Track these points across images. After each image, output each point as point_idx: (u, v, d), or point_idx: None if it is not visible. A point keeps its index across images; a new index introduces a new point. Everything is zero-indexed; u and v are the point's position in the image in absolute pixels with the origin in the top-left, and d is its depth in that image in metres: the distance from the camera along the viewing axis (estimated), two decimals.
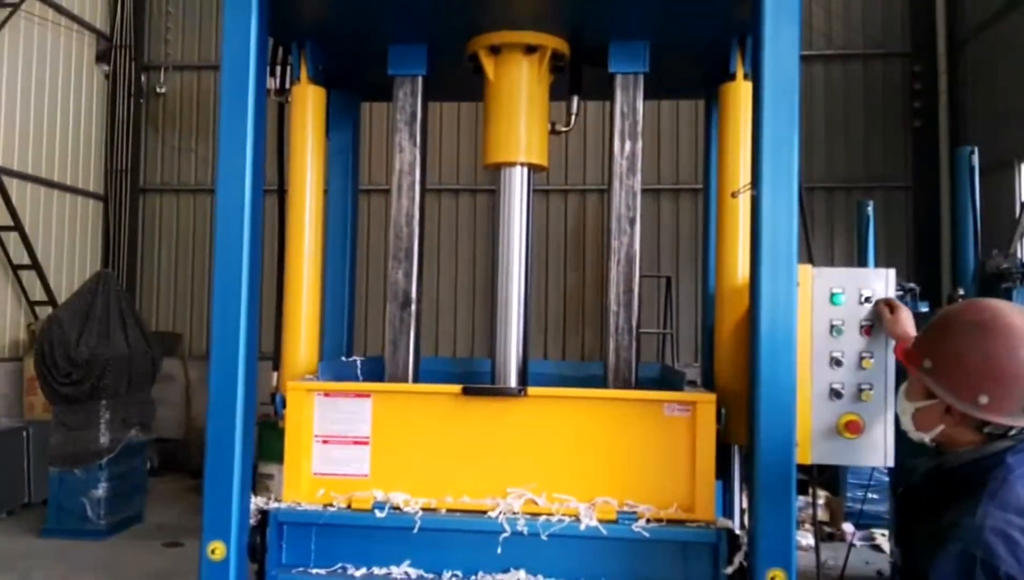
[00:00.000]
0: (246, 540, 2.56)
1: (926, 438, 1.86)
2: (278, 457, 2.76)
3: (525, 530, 2.46)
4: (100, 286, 7.20)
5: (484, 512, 2.53)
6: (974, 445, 1.78)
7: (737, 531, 2.45)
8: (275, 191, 3.10)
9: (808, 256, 2.60)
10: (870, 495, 7.08)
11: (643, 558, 2.48)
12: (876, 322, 2.53)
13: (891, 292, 2.61)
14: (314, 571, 2.58)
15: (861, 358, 2.55)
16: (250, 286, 2.54)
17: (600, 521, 2.46)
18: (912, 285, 5.90)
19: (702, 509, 2.50)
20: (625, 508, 2.50)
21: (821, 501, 7.43)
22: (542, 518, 2.48)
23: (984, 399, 1.71)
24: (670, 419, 2.56)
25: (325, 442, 2.67)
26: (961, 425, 1.78)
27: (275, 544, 2.56)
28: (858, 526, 7.00)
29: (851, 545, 6.64)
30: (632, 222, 2.85)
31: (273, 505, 2.59)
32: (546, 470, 2.57)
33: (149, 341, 7.56)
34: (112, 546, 6.98)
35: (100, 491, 7.12)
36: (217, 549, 2.49)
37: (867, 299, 2.56)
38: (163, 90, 11.01)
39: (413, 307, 2.90)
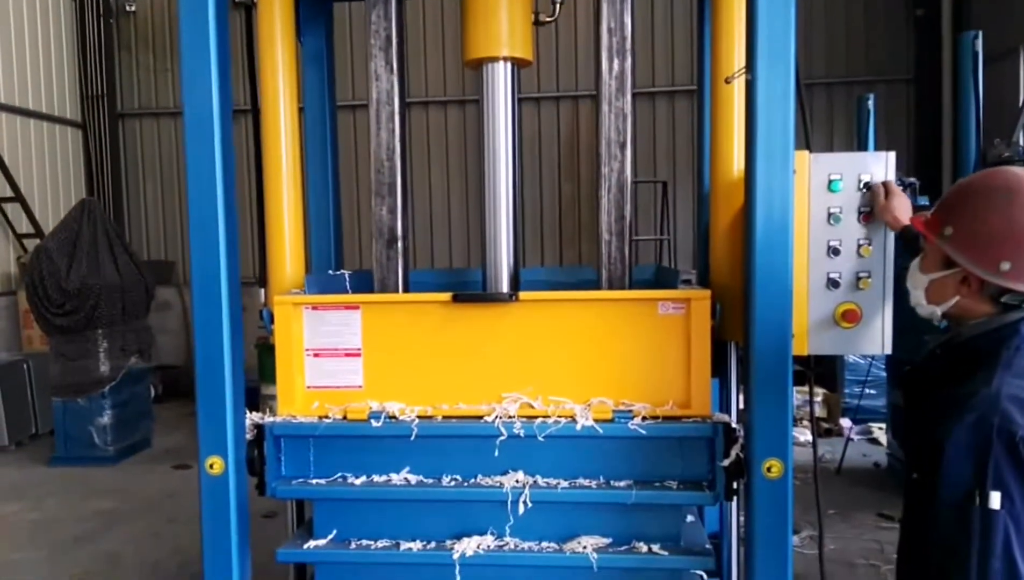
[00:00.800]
0: (243, 454, 2.56)
1: (938, 311, 1.81)
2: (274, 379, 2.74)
3: (522, 433, 2.45)
4: (85, 215, 7.09)
5: (480, 418, 2.52)
6: (988, 317, 1.73)
7: (734, 425, 2.44)
8: (249, 111, 2.98)
9: (806, 143, 2.52)
10: (867, 390, 7.17)
11: (640, 455, 2.49)
12: (871, 206, 2.47)
13: (891, 176, 2.53)
14: (314, 482, 2.59)
15: (859, 246, 2.49)
16: (226, 201, 2.44)
17: (596, 421, 2.45)
18: (912, 179, 5.81)
19: (698, 405, 2.49)
20: (621, 408, 2.49)
21: (819, 398, 7.52)
22: (538, 421, 2.47)
23: (1006, 265, 1.66)
24: (665, 318, 2.52)
25: (316, 355, 2.64)
26: (977, 296, 1.73)
27: (273, 457, 2.56)
28: (855, 421, 7.11)
29: (848, 439, 6.77)
30: (623, 147, 2.72)
31: (268, 419, 2.58)
32: (541, 374, 2.55)
33: (140, 268, 7.50)
34: (122, 471, 7.09)
35: (105, 419, 7.18)
36: (215, 464, 2.48)
37: (866, 185, 2.49)
38: (132, 8, 10.63)
39: (400, 244, 2.82)
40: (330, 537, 2.60)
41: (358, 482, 2.56)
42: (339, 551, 2.56)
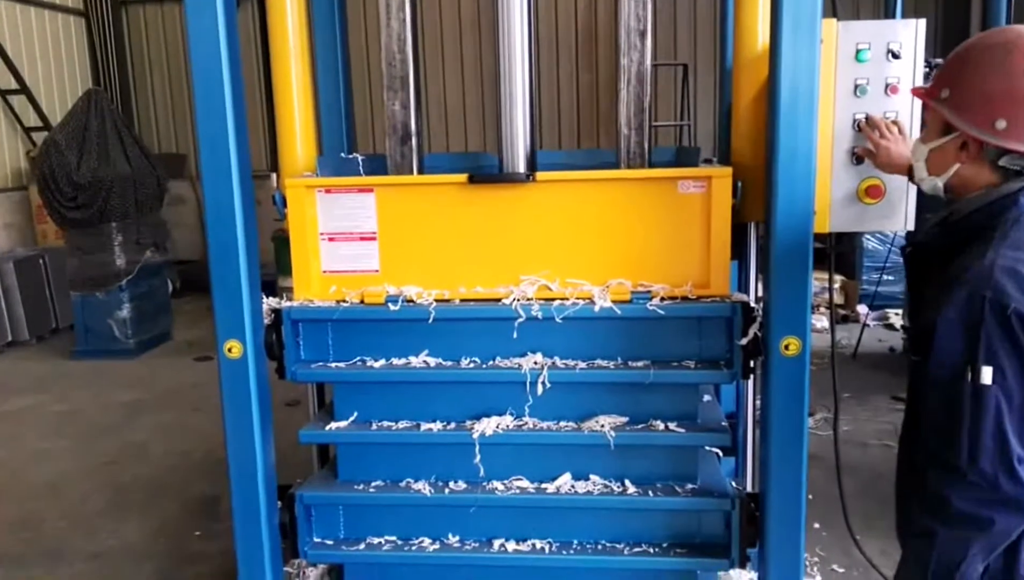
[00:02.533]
0: (261, 337, 2.56)
1: (939, 183, 1.75)
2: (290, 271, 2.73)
3: (540, 315, 2.44)
4: (92, 106, 6.97)
5: (498, 301, 2.50)
6: (988, 188, 1.67)
7: (752, 305, 2.41)
8: None
9: (832, 10, 2.38)
10: (885, 277, 7.12)
11: (658, 336, 2.48)
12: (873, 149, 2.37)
13: (920, 48, 2.41)
14: (333, 365, 2.61)
15: (886, 119, 2.39)
16: (233, 85, 2.35)
17: (614, 302, 2.43)
18: (939, 60, 5.57)
19: (717, 285, 2.46)
20: (639, 289, 2.46)
21: (836, 285, 7.49)
22: (556, 303, 2.45)
23: (1002, 124, 1.59)
24: (684, 197, 2.46)
25: (331, 240, 2.61)
26: (977, 162, 1.67)
27: (292, 341, 2.57)
28: (872, 307, 7.09)
29: (865, 325, 6.78)
30: (643, 35, 2.57)
31: (286, 304, 2.58)
32: (559, 256, 2.52)
33: (151, 160, 7.43)
34: (144, 363, 7.23)
35: (124, 312, 7.27)
36: (234, 347, 2.49)
37: (864, 120, 2.39)
38: None
39: (414, 141, 2.73)
40: (351, 419, 2.63)
41: (377, 365, 2.57)
42: (360, 432, 2.60)
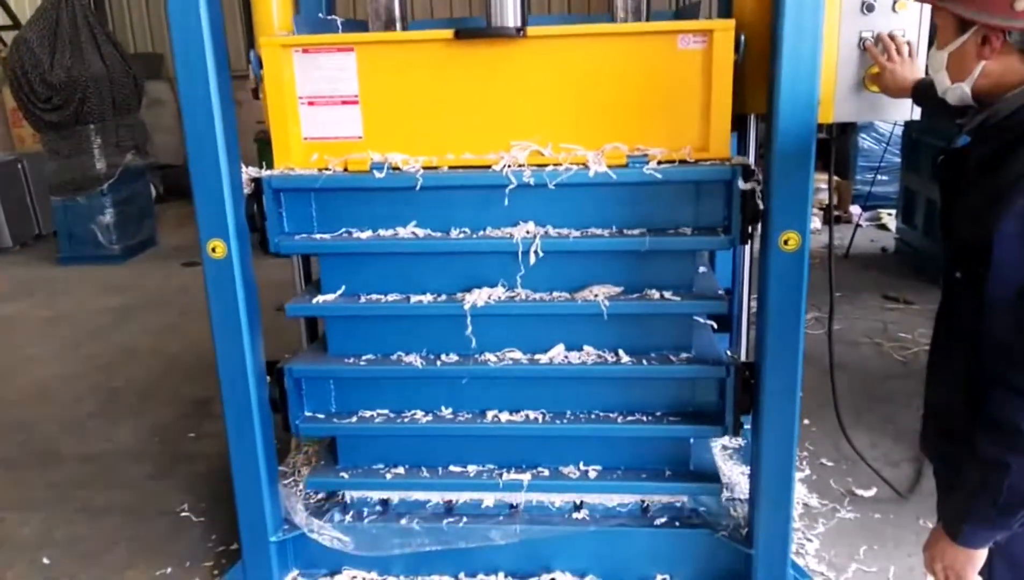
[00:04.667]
0: (247, 237, 2.49)
1: (966, 89, 1.57)
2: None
3: (531, 181, 2.35)
4: (62, 1, 6.65)
5: (487, 167, 2.40)
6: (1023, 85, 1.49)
7: (753, 167, 2.32)
8: None
9: None
10: (879, 177, 7.05)
11: (654, 202, 2.41)
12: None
13: None
14: (318, 236, 2.54)
15: (895, 1, 2.27)
16: None
17: (610, 167, 2.33)
18: None
19: (717, 148, 2.36)
20: (636, 153, 2.36)
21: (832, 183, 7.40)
22: (549, 168, 2.36)
23: (1021, 3, 1.41)
24: (684, 53, 2.32)
25: (311, 104, 2.47)
26: (1004, 55, 1.48)
27: (274, 212, 2.48)
28: (865, 208, 7.04)
29: (857, 225, 6.74)
30: None
31: (266, 173, 2.47)
32: (551, 120, 2.40)
33: (127, 59, 7.16)
34: (131, 268, 7.15)
35: (107, 217, 7.14)
36: (217, 247, 2.43)
37: (874, 39, 2.26)
38: None
39: (398, 26, 2.57)
40: (339, 292, 2.59)
41: (364, 236, 2.50)
42: (348, 305, 2.57)
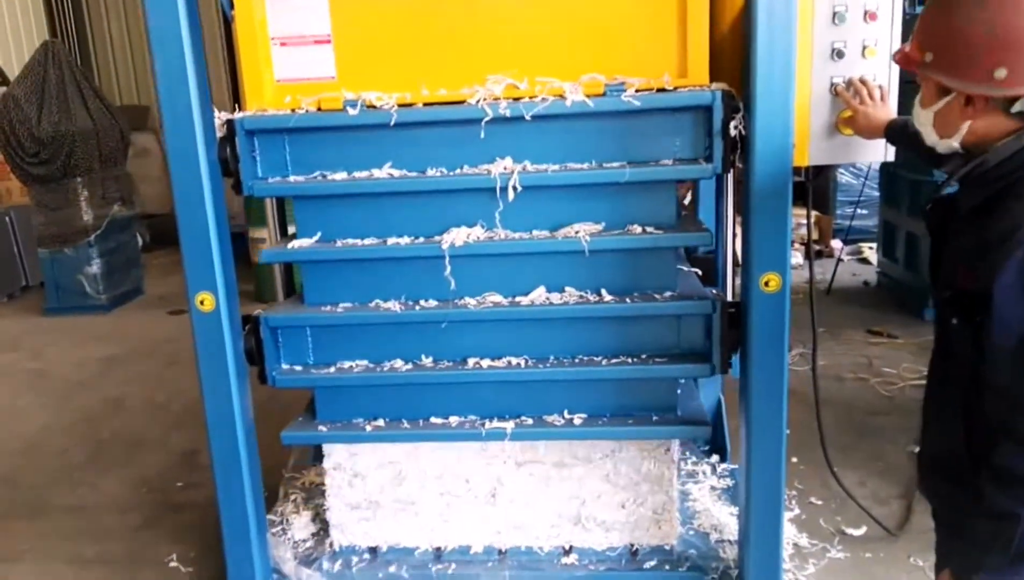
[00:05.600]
0: (235, 289, 2.52)
1: (955, 144, 1.60)
2: (264, 221, 2.65)
3: (508, 113, 2.33)
4: (49, 58, 6.72)
5: (462, 102, 2.39)
6: (1012, 135, 1.51)
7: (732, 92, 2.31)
8: None
9: None
10: (859, 210, 7.14)
11: (634, 132, 2.39)
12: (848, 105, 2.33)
13: None
14: (292, 179, 2.52)
15: (864, 48, 2.34)
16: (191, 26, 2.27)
17: (587, 96, 2.32)
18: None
19: (696, 73, 2.35)
20: (613, 82, 2.34)
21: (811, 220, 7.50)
22: (525, 99, 2.35)
23: (1001, 73, 1.45)
24: None
25: (283, 44, 2.48)
26: (987, 114, 1.52)
27: (247, 155, 2.47)
28: (846, 242, 7.13)
29: (839, 260, 6.82)
30: None
31: (238, 114, 2.45)
32: (527, 52, 2.40)
33: (113, 113, 7.22)
34: (117, 318, 7.13)
35: (94, 267, 7.13)
36: (205, 300, 2.46)
37: (844, 84, 2.33)
38: None
39: None
40: (315, 238, 2.56)
41: (338, 177, 2.49)
42: (325, 249, 2.53)
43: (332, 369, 2.60)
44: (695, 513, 2.98)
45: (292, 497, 3.19)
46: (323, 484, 3.21)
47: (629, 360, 2.49)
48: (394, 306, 2.53)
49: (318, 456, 3.41)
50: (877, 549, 3.08)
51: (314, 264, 2.60)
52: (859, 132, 2.30)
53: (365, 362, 2.61)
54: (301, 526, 2.98)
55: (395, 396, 2.63)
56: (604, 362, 2.50)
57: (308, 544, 2.91)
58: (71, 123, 6.71)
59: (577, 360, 2.53)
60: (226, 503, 2.60)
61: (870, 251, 7.26)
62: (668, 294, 2.48)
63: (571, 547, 2.73)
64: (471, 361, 2.56)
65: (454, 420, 2.60)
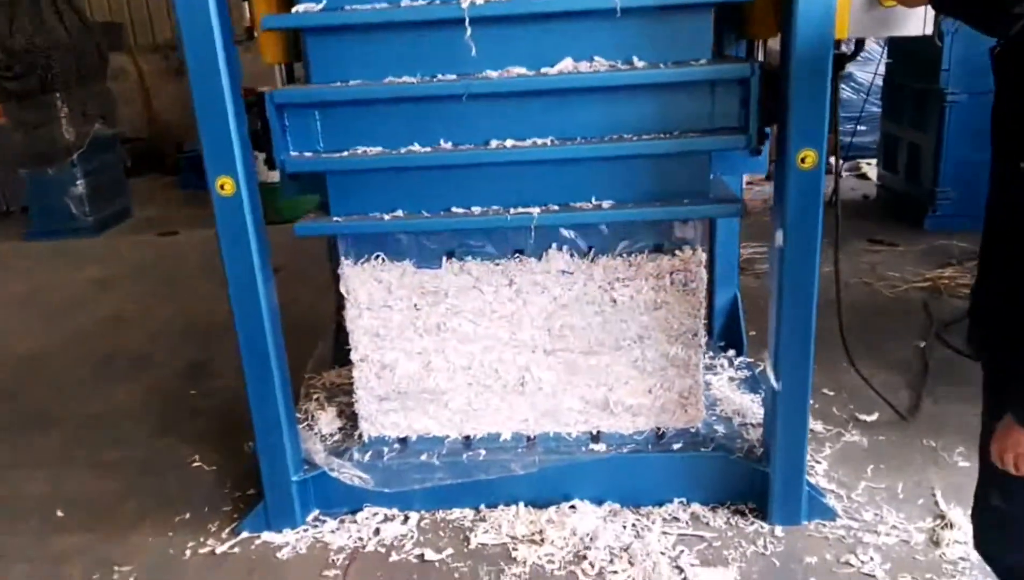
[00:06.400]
0: (253, 174, 2.45)
1: None
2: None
3: None
4: None
5: None
6: None
7: None
8: None
9: None
10: (859, 127, 7.11)
11: None
12: None
13: None
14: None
15: None
16: None
17: None
18: None
19: None
20: None
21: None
22: None
23: None
24: None
25: None
26: None
27: None
28: (845, 158, 7.12)
29: (839, 175, 6.82)
30: None
31: None
32: None
33: (90, 26, 6.97)
34: (107, 240, 7.00)
35: (79, 188, 6.97)
36: (226, 185, 2.39)
37: None
38: None
39: None
40: (321, 6, 2.36)
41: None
42: (332, 16, 2.36)
43: (345, 153, 2.43)
44: (716, 400, 3.02)
45: (315, 396, 3.20)
46: (343, 385, 3.26)
47: (661, 135, 2.37)
48: (411, 80, 2.38)
49: (336, 359, 3.44)
50: (890, 433, 3.15)
51: (321, 33, 2.39)
52: (904, 1, 2.26)
53: (380, 148, 2.43)
54: (327, 421, 2.99)
55: (413, 184, 2.47)
56: (634, 139, 2.38)
57: (336, 438, 2.93)
58: (46, 35, 6.48)
59: (606, 140, 2.39)
60: (256, 393, 2.59)
61: (868, 167, 7.28)
62: (703, 60, 2.36)
63: (599, 432, 2.77)
64: (494, 143, 2.40)
65: (477, 210, 2.48)
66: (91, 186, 7.05)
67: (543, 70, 2.36)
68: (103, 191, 7.24)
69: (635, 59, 2.37)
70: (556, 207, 2.46)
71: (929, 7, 2.26)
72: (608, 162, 2.42)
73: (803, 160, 2.29)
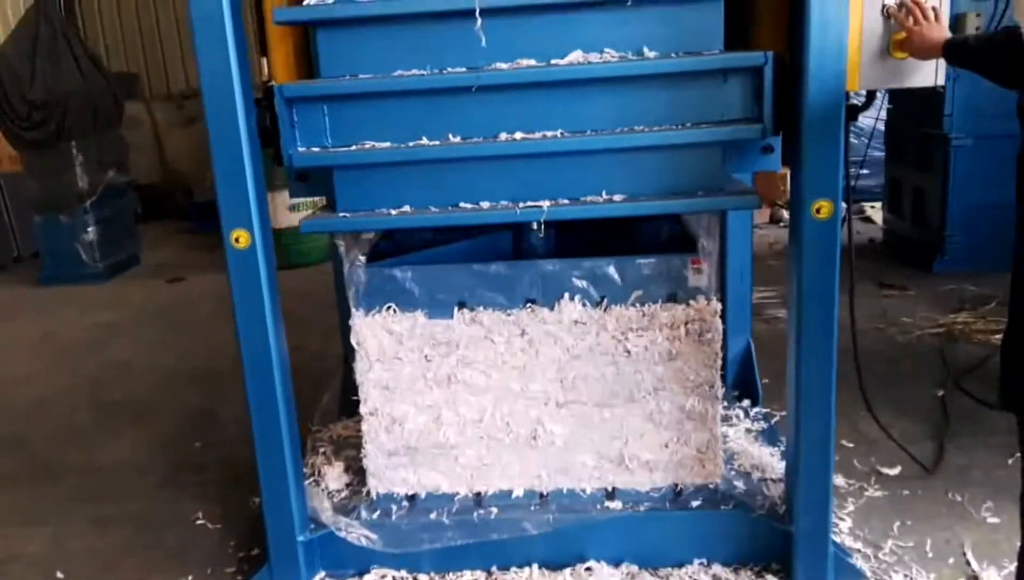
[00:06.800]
0: (268, 227, 2.43)
1: None
2: None
3: None
4: (40, 16, 6.54)
5: None
6: None
7: None
8: None
9: None
10: (862, 171, 7.12)
11: None
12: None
13: None
14: None
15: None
16: None
17: None
18: None
19: None
20: None
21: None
22: None
23: None
24: None
25: None
26: None
27: None
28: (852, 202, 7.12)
29: (845, 218, 6.80)
30: None
31: None
32: None
33: (106, 75, 7.06)
34: (116, 287, 7.00)
35: (91, 235, 7.00)
36: (241, 237, 2.37)
37: (893, 6, 2.23)
38: None
39: None
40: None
41: None
42: (340, 6, 2.34)
43: (353, 147, 2.40)
44: (734, 454, 2.95)
45: (321, 449, 3.14)
46: (351, 437, 3.20)
47: (673, 126, 2.33)
48: (421, 73, 2.37)
49: (344, 410, 3.39)
50: (914, 487, 3.07)
51: (332, 26, 2.37)
52: (913, 53, 2.24)
53: (388, 143, 2.39)
54: (334, 477, 2.92)
55: (422, 179, 2.42)
56: (646, 131, 2.34)
57: (343, 494, 2.86)
58: (64, 84, 6.55)
59: (618, 131, 2.35)
60: (263, 447, 2.53)
61: (872, 210, 7.26)
62: (716, 49, 2.33)
63: (614, 488, 2.69)
64: (503, 136, 2.36)
65: (485, 205, 2.42)
66: (102, 233, 7.08)
67: (553, 62, 2.34)
68: (113, 238, 7.26)
69: (646, 49, 2.33)
70: (567, 201, 2.39)
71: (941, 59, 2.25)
72: (619, 154, 2.37)
73: (818, 210, 2.26)
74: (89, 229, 6.98)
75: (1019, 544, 1.76)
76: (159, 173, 9.90)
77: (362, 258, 2.62)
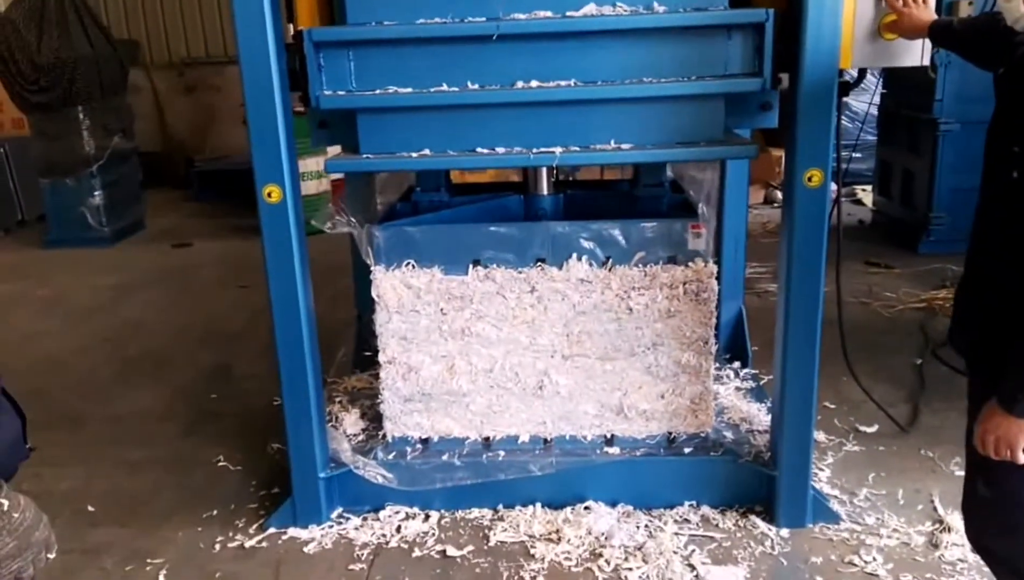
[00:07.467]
0: (298, 186, 2.61)
1: None
2: None
3: None
4: None
5: None
6: None
7: None
8: None
9: None
10: (854, 154, 7.31)
11: None
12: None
13: None
14: None
15: None
16: None
17: None
18: None
19: None
20: None
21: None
22: None
23: None
24: None
25: None
26: None
27: None
28: (843, 184, 7.31)
29: (836, 200, 7.00)
30: None
31: None
32: None
33: (113, 42, 7.15)
34: (122, 250, 7.14)
35: (97, 199, 7.11)
36: (273, 192, 2.55)
37: None
38: None
39: None
40: None
41: None
42: None
43: (376, 92, 2.53)
44: (724, 408, 3.16)
45: (337, 399, 3.33)
46: (364, 389, 3.40)
47: (679, 79, 2.49)
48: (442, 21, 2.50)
49: (357, 363, 3.58)
50: (889, 444, 3.30)
51: None
52: (902, 33, 2.43)
53: (409, 89, 2.53)
54: (351, 422, 3.12)
55: (440, 124, 2.56)
56: (653, 82, 2.49)
57: (360, 438, 3.06)
58: (72, 49, 6.64)
59: (627, 82, 2.50)
60: (290, 390, 2.72)
61: (863, 193, 7.46)
62: (720, 5, 2.49)
63: (613, 435, 2.90)
64: (519, 84, 2.50)
65: (501, 150, 2.56)
66: (108, 197, 7.20)
67: (568, 13, 2.49)
68: (119, 202, 7.38)
69: (655, 4, 2.49)
70: (577, 148, 2.54)
71: (927, 40, 2.44)
72: (628, 104, 2.53)
73: (810, 179, 2.45)
74: (96, 193, 7.09)
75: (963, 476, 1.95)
76: (159, 141, 9.99)
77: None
